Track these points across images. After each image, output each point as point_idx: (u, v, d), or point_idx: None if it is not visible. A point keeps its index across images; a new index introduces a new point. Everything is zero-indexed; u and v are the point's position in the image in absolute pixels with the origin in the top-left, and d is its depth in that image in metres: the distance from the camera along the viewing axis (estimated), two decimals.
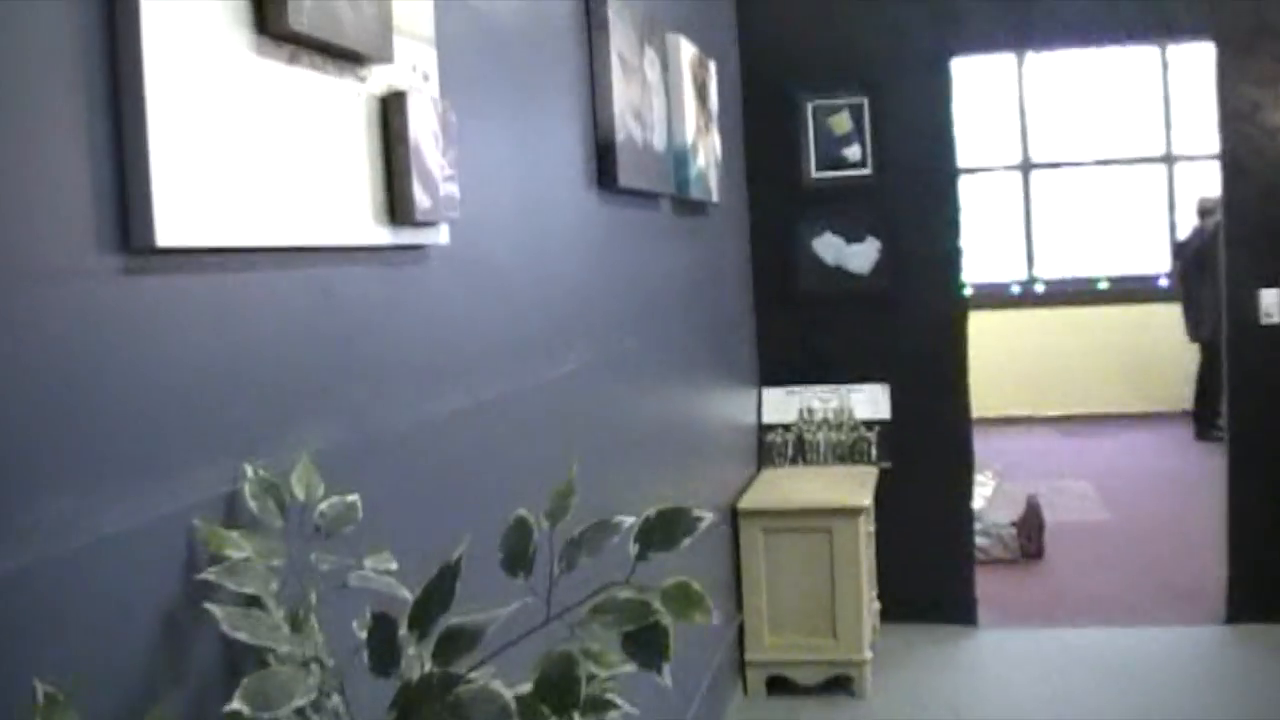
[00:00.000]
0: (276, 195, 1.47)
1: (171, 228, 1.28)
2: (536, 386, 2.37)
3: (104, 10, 1.24)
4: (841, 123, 4.88)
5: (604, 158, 2.86)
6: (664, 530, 1.22)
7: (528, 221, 2.39)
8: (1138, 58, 9.57)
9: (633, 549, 1.22)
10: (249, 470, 1.41)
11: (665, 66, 3.47)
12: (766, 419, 4.88)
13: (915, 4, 4.74)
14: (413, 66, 1.83)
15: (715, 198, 4.04)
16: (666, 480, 3.51)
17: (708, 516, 1.21)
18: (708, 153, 3.92)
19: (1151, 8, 4.63)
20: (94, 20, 1.23)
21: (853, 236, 4.86)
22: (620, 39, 2.91)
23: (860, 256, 4.86)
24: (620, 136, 2.89)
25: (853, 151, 4.86)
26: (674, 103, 3.55)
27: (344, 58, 1.63)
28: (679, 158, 3.59)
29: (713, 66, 4.06)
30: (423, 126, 1.78)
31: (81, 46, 1.21)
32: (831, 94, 4.84)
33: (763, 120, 4.91)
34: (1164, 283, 9.60)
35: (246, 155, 1.41)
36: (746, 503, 4.29)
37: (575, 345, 2.66)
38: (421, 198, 1.76)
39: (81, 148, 1.21)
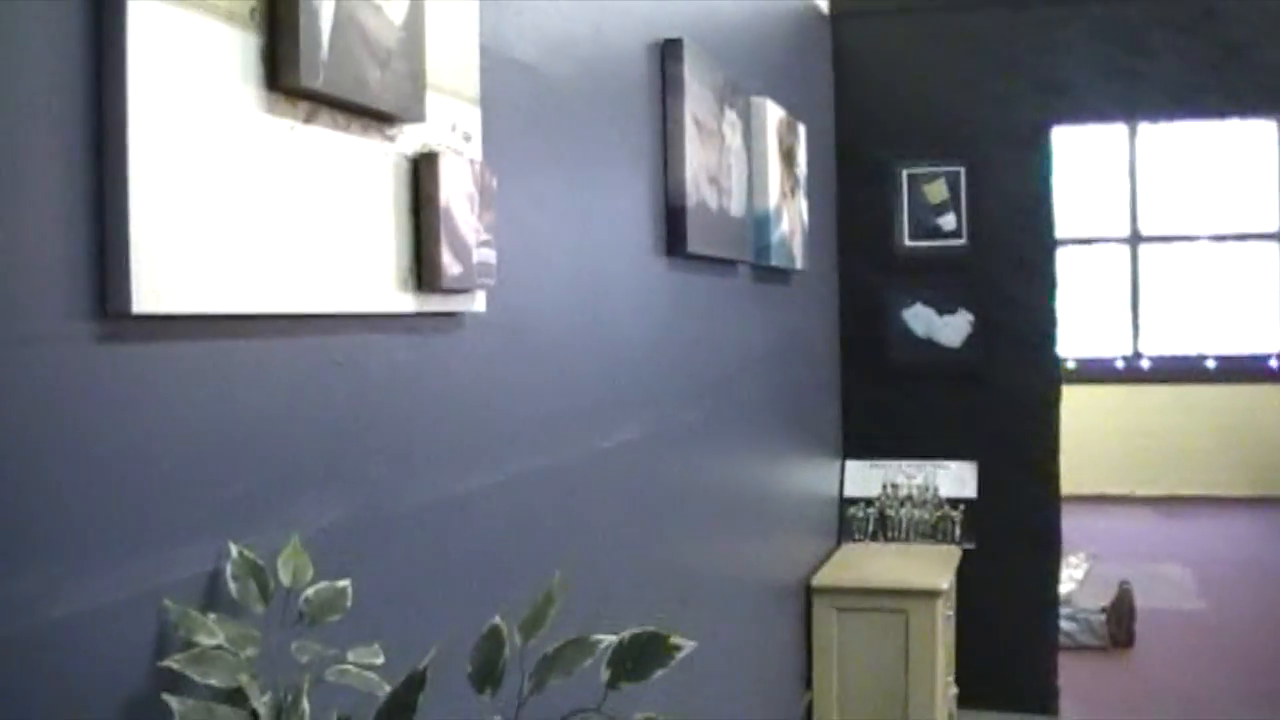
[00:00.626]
0: (283, 259, 1.38)
1: (151, 294, 1.18)
2: (584, 459, 2.26)
3: (88, 64, 1.16)
4: (937, 191, 4.73)
5: (674, 223, 2.75)
6: (636, 658, 1.08)
7: (585, 288, 2.28)
8: (1253, 132, 9.26)
9: (604, 674, 1.09)
10: (233, 550, 1.31)
11: (748, 129, 3.36)
12: (849, 492, 4.71)
13: (1016, 72, 4.58)
14: (451, 126, 1.73)
15: (800, 265, 3.90)
16: (737, 552, 3.37)
17: (686, 645, 1.08)
18: (793, 219, 3.79)
19: (1266, 81, 4.42)
20: (76, 74, 1.15)
21: (945, 308, 4.69)
22: (696, 101, 2.80)
23: (952, 329, 4.69)
24: (692, 201, 2.77)
25: (947, 221, 4.70)
26: (756, 167, 3.43)
27: (370, 116, 1.53)
28: (760, 223, 3.46)
29: (802, 130, 3.93)
30: (456, 189, 1.68)
31: (62, 100, 1.13)
32: (927, 161, 4.69)
33: (855, 186, 4.77)
34: (1274, 363, 9.23)
35: (248, 217, 1.32)
36: (821, 579, 4.12)
37: (634, 415, 2.54)
38: (451, 264, 1.65)
39: (56, 206, 1.12)
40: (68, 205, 1.14)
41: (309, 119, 1.43)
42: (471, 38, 1.80)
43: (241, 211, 1.31)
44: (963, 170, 4.66)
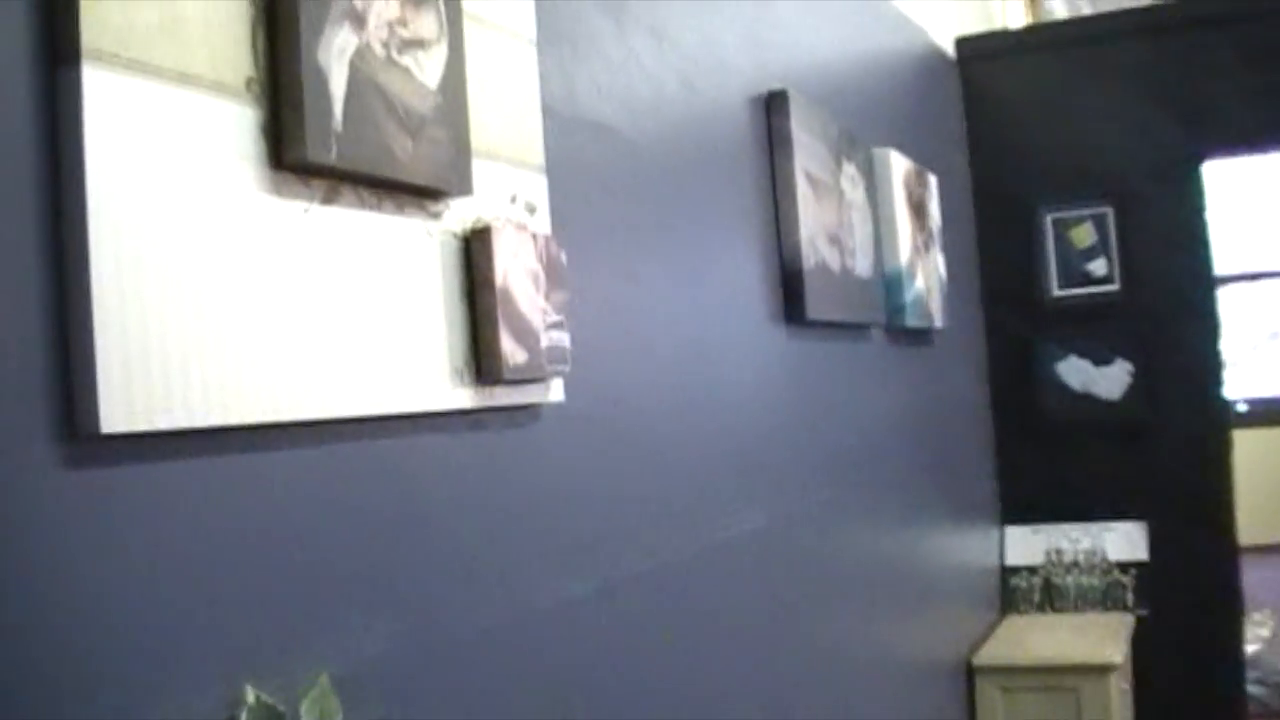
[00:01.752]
0: (301, 357, 1.18)
1: (124, 411, 0.99)
2: (697, 555, 2.01)
3: (40, 149, 0.98)
4: (1084, 235, 4.39)
5: (791, 288, 2.50)
6: None
7: (689, 364, 2.05)
8: None
9: None
10: (250, 694, 1.10)
11: (871, 183, 3.10)
12: (1010, 560, 4.35)
13: (1160, 104, 4.22)
14: (511, 197, 1.53)
15: (940, 323, 3.61)
16: (889, 633, 3.07)
17: None
18: (928, 275, 3.51)
19: None
20: (25, 161, 0.97)
21: (1101, 358, 4.32)
22: (807, 156, 2.57)
23: (1110, 380, 4.32)
24: (810, 263, 2.53)
25: (1097, 266, 4.35)
26: (883, 222, 3.17)
27: (405, 191, 1.34)
28: (891, 283, 3.19)
29: (933, 180, 3.66)
30: (517, 267, 1.47)
31: (9, 192, 0.95)
32: (1072, 204, 4.35)
33: (996, 236, 4.46)
34: None
35: (252, 313, 1.13)
36: (983, 657, 3.78)
37: (758, 500, 2.29)
38: (513, 351, 1.44)
39: (6, 311, 0.94)
40: (20, 312, 0.95)
41: (328, 199, 1.23)
42: (531, 98, 1.60)
43: (242, 308, 1.12)
44: (1110, 211, 4.31)
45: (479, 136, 1.46)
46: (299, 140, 1.16)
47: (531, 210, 1.56)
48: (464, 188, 1.39)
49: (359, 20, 1.24)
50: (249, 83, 1.15)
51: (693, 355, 2.07)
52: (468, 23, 1.46)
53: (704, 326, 2.12)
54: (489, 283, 1.42)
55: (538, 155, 1.60)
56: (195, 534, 1.09)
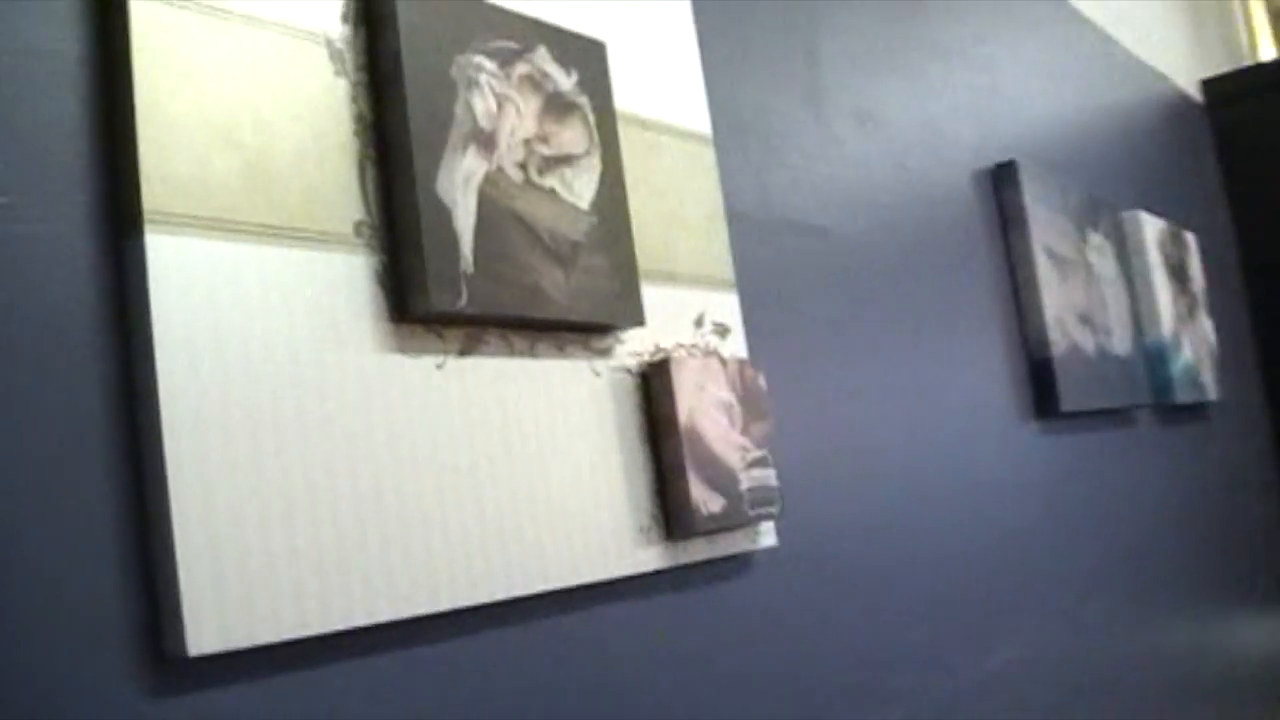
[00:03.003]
0: (437, 539, 0.98)
1: (216, 626, 0.81)
2: (950, 701, 1.72)
3: (115, 338, 0.82)
4: None
5: (1040, 378, 2.20)
6: None
7: (923, 483, 1.78)
8: None
9: None
10: None
11: (1121, 251, 2.77)
12: None
13: None
14: (696, 320, 1.31)
15: (1213, 395, 3.21)
16: None
17: None
18: (1196, 343, 3.12)
19: None
20: (91, 353, 0.81)
21: None
22: (1044, 230, 2.27)
23: None
24: (1059, 349, 2.22)
25: None
26: (1139, 293, 2.82)
27: (561, 329, 1.14)
28: (1154, 357, 2.83)
29: (1191, 239, 3.28)
30: (706, 401, 1.25)
31: (77, 394, 0.79)
32: None
33: (1269, 293, 4.00)
34: None
35: (381, 491, 0.94)
36: None
37: (1018, 625, 1.98)
38: (705, 499, 1.21)
39: (77, 527, 0.78)
40: (90, 517, 0.79)
41: (466, 350, 1.04)
42: (713, 204, 1.38)
43: (365, 487, 0.93)
44: None
45: (649, 256, 1.26)
46: (421, 288, 0.97)
47: (723, 333, 1.34)
48: (633, 317, 1.18)
49: (486, 142, 1.06)
50: (358, 227, 0.97)
51: (928, 470, 1.80)
52: (625, 127, 1.26)
53: (940, 436, 1.85)
54: (671, 423, 1.20)
55: (725, 268, 1.38)
56: None
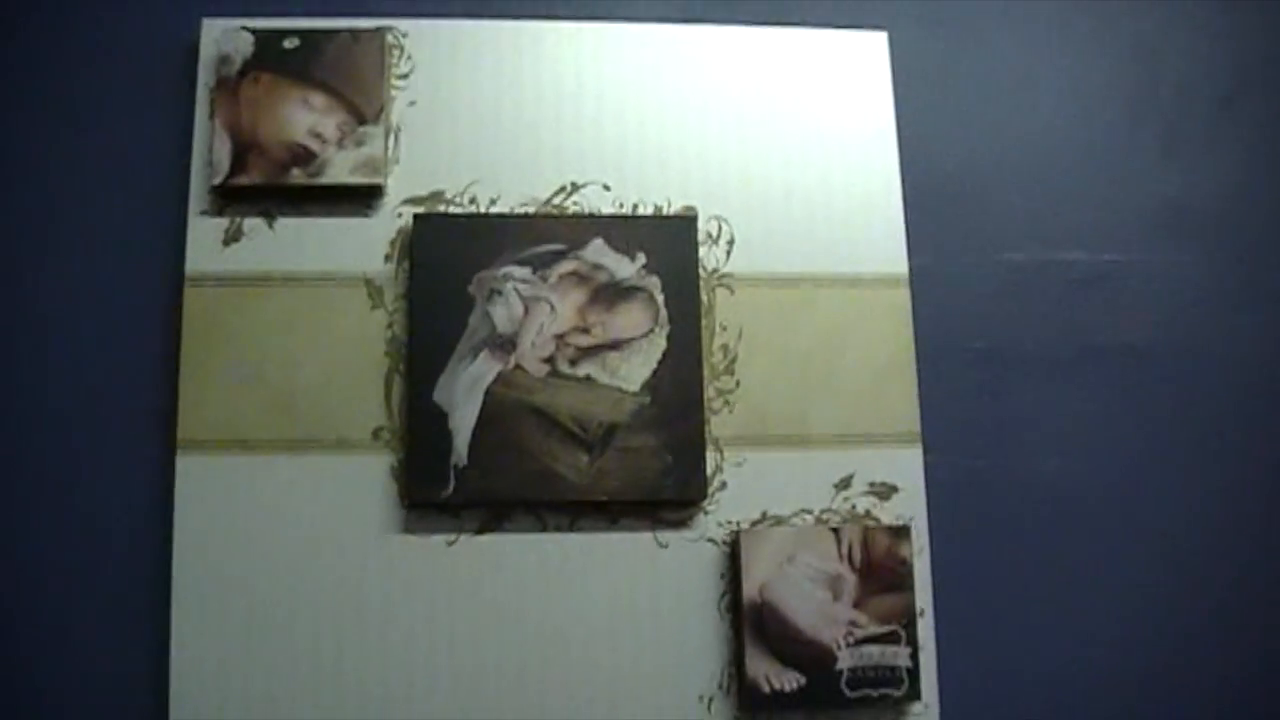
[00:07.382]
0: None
1: None
2: None
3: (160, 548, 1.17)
4: None
5: None
6: None
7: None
8: None
9: None
10: None
11: None
12: None
13: None
14: (839, 481, 1.19)
15: None
16: None
17: None
18: None
19: None
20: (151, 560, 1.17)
21: None
22: None
23: None
24: None
25: None
26: None
27: (584, 507, 1.17)
28: None
29: None
30: (796, 574, 1.14)
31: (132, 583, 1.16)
32: None
33: None
34: None
35: (390, 665, 1.14)
36: None
37: None
38: (774, 675, 1.12)
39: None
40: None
41: (485, 528, 1.16)
42: (895, 348, 1.22)
43: (373, 663, 1.14)
44: None
45: (774, 421, 1.19)
46: (417, 480, 1.14)
47: (884, 494, 1.19)
48: (688, 491, 1.15)
49: (504, 345, 1.16)
50: (378, 432, 1.17)
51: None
52: (748, 290, 1.21)
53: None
54: (738, 594, 1.15)
55: (878, 422, 1.21)
56: None
